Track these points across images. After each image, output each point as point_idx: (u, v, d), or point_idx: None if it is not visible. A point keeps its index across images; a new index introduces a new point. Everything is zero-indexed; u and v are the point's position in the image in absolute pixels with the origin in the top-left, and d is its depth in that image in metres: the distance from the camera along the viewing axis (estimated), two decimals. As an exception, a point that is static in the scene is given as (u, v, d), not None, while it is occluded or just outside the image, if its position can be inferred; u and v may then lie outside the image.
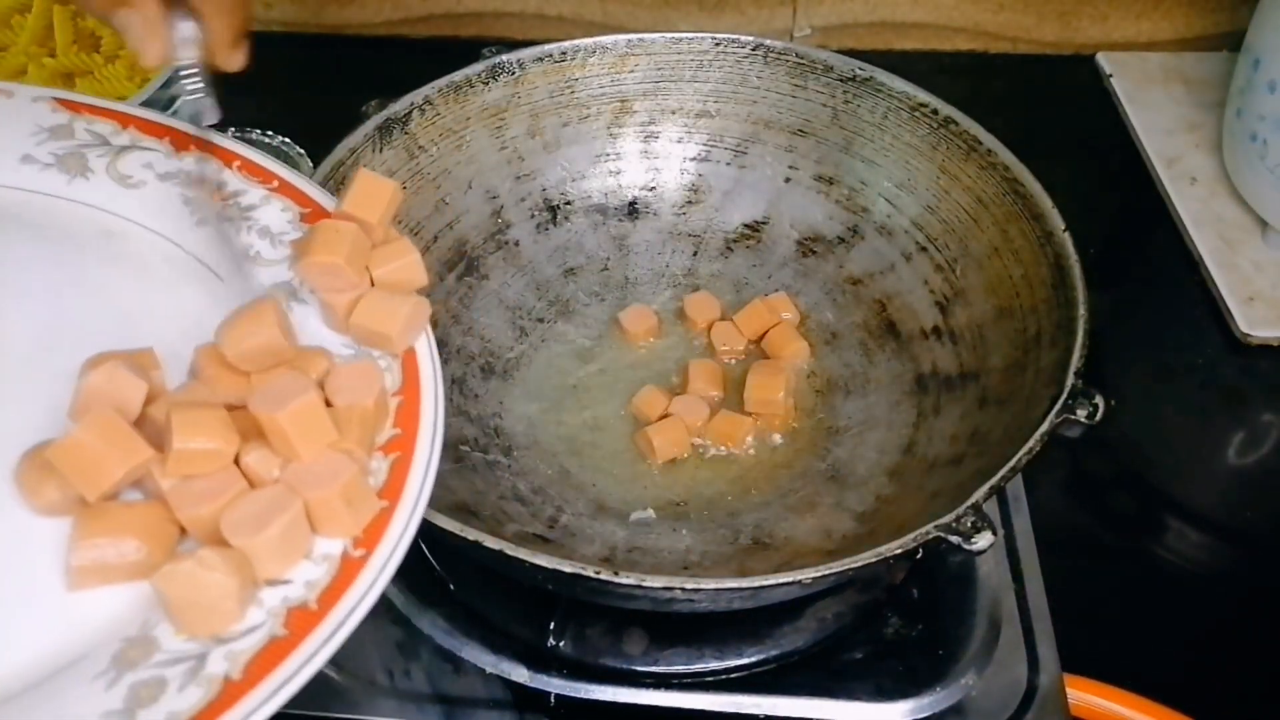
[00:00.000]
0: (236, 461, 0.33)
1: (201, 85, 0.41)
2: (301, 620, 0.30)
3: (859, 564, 0.39)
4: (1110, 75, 0.82)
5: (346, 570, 0.32)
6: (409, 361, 0.39)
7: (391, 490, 0.34)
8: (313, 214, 0.43)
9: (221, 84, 0.43)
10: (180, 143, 0.45)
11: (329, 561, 0.32)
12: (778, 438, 0.54)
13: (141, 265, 0.41)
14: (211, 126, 0.46)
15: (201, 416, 0.33)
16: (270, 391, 0.33)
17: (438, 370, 0.39)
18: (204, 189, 0.42)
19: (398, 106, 0.56)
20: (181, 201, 0.43)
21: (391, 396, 0.37)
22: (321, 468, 0.33)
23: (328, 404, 0.35)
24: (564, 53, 0.60)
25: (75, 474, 0.32)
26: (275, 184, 0.44)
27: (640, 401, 0.55)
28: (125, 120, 0.46)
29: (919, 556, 0.51)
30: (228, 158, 0.45)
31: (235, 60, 0.42)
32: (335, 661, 0.47)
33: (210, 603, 0.30)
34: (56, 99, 0.46)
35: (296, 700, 0.46)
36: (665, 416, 0.54)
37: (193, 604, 0.30)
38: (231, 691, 0.29)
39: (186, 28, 0.40)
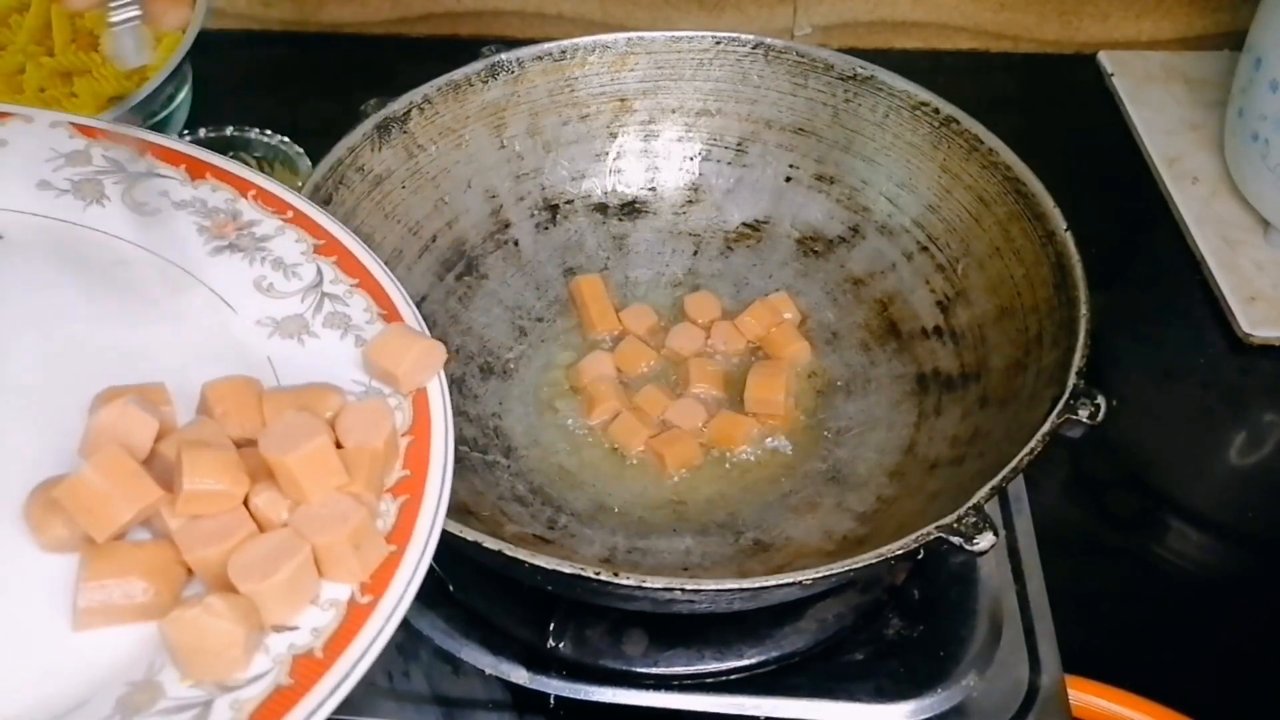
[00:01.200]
0: (245, 502, 0.33)
1: (136, 14, 0.39)
2: (308, 669, 0.30)
3: (860, 565, 0.39)
4: (1112, 74, 0.82)
5: (354, 617, 0.32)
6: (420, 401, 0.38)
7: (400, 535, 0.34)
8: (326, 246, 0.43)
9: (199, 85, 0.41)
10: (196, 170, 0.45)
11: (336, 608, 0.32)
12: (778, 438, 0.54)
13: (154, 295, 0.41)
14: (213, 129, 0.46)
15: (212, 457, 0.32)
16: (281, 433, 0.33)
17: (448, 412, 0.38)
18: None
19: (396, 105, 0.56)
20: (196, 230, 0.43)
21: (401, 437, 0.37)
22: (330, 511, 0.33)
23: (337, 444, 0.34)
24: (564, 51, 0.60)
25: (83, 514, 0.32)
26: (290, 214, 0.44)
27: (641, 400, 0.55)
28: (143, 147, 0.45)
29: (920, 557, 0.51)
30: (243, 186, 0.45)
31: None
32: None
33: (216, 650, 0.30)
34: (74, 124, 0.45)
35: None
36: (665, 424, 0.54)
37: (199, 650, 0.30)
38: None
39: None
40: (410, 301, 0.43)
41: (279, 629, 0.31)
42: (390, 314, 0.42)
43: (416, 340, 0.39)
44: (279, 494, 0.33)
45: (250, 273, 0.42)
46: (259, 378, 0.38)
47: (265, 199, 0.45)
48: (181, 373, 0.37)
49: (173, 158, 0.45)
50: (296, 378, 0.39)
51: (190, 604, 0.30)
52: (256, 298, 0.41)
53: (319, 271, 0.43)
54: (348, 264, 0.43)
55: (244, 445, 0.34)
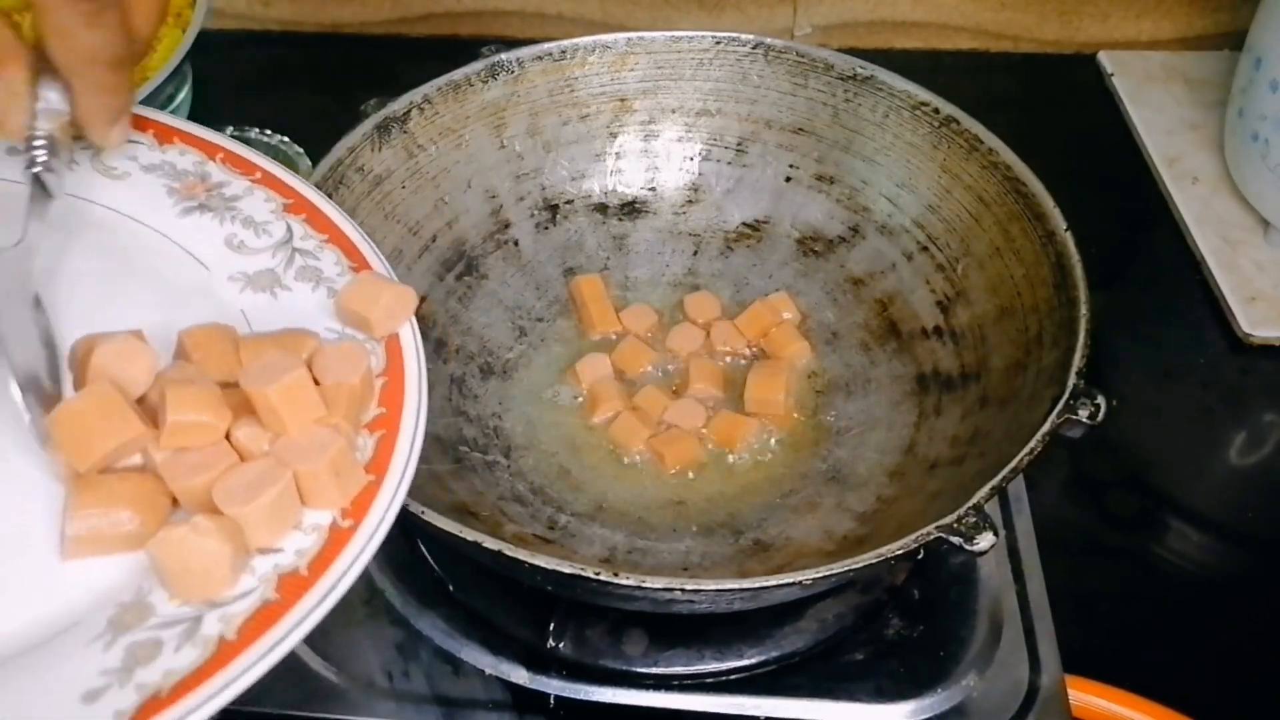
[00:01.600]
0: (228, 437, 0.34)
1: (52, 160, 0.39)
2: (293, 585, 0.31)
3: (860, 565, 0.39)
4: (1112, 74, 0.82)
5: (335, 540, 0.33)
6: (393, 345, 0.40)
7: (378, 465, 0.35)
8: (294, 205, 0.44)
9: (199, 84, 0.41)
10: (164, 135, 0.46)
11: (318, 531, 0.33)
12: (778, 438, 0.54)
13: (127, 254, 0.42)
14: (213, 129, 0.46)
15: (194, 392, 0.33)
16: (260, 368, 0.34)
17: (420, 354, 0.40)
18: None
19: (396, 105, 0.56)
20: (166, 192, 0.44)
21: (376, 378, 0.38)
22: (310, 442, 0.34)
23: (316, 383, 0.35)
24: (563, 51, 0.60)
25: (69, 443, 0.32)
26: (258, 175, 0.45)
27: (641, 400, 0.55)
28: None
29: (920, 557, 0.51)
30: (210, 150, 0.46)
31: (112, 138, 0.40)
32: (334, 663, 0.47)
33: (204, 569, 0.31)
34: None
35: (296, 701, 0.46)
36: (664, 424, 0.54)
37: (187, 570, 0.31)
38: (227, 650, 0.30)
39: (53, 97, 0.38)
40: (380, 255, 0.43)
41: (264, 551, 0.32)
42: (360, 266, 0.43)
43: (388, 286, 0.40)
44: (260, 428, 0.34)
45: (221, 231, 0.43)
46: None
47: (233, 161, 0.45)
48: (158, 325, 0.38)
49: (140, 124, 0.46)
50: (271, 328, 0.40)
51: (178, 525, 0.31)
52: (228, 255, 0.42)
53: (289, 228, 0.43)
54: (317, 221, 0.44)
55: (224, 388, 0.35)
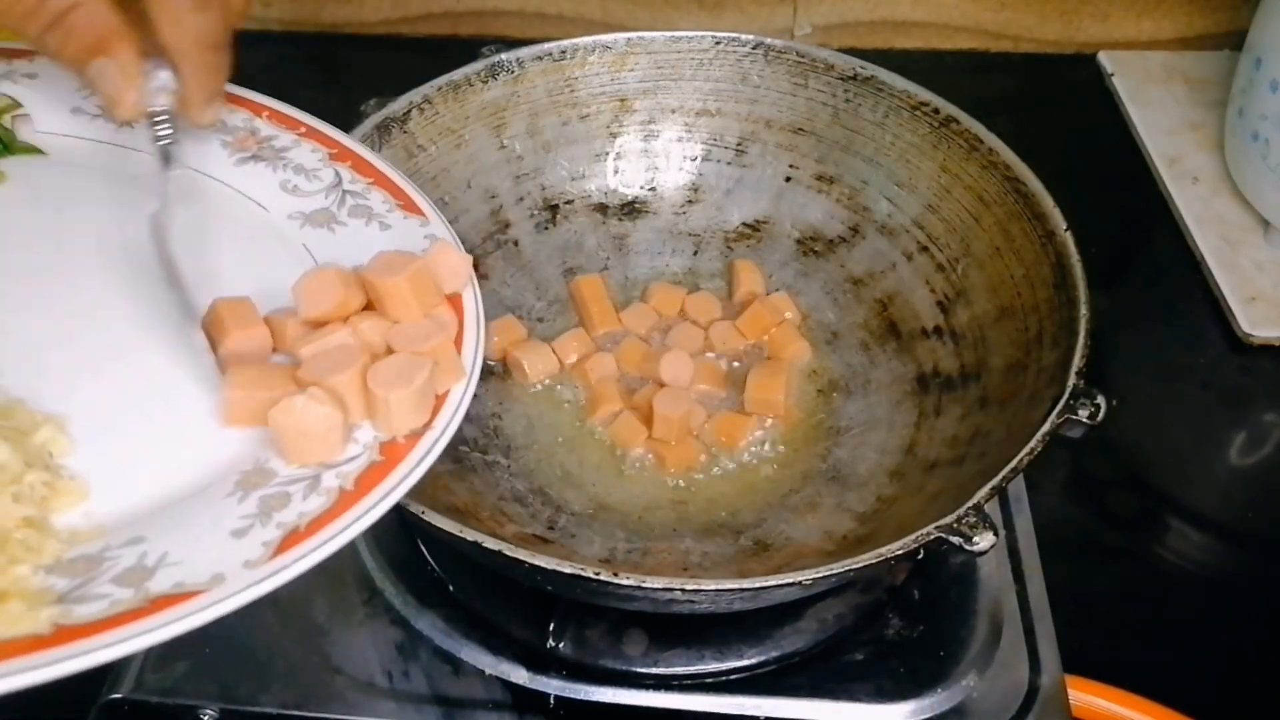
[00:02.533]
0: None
1: (172, 131, 0.43)
2: (393, 450, 0.36)
3: (860, 565, 0.39)
4: (1112, 74, 0.82)
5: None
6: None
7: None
8: (339, 154, 0.48)
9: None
10: None
11: None
12: (778, 438, 0.54)
13: (191, 200, 0.45)
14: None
15: (320, 282, 0.39)
16: (384, 264, 0.40)
17: (477, 291, 0.44)
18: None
19: (396, 106, 0.56)
20: (220, 145, 0.48)
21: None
22: (420, 330, 0.39)
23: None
24: (563, 51, 0.60)
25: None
26: (303, 129, 0.49)
27: (641, 401, 0.55)
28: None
29: (920, 557, 0.51)
30: (257, 109, 0.50)
31: (208, 116, 0.43)
32: (334, 663, 0.47)
33: (319, 433, 0.36)
34: None
35: (296, 701, 0.46)
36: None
37: (304, 434, 0.35)
38: (347, 498, 0.35)
39: (163, 76, 0.41)
40: (424, 195, 0.47)
41: (357, 427, 0.37)
42: (407, 204, 0.47)
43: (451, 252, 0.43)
44: (379, 320, 0.39)
45: (275, 178, 0.47)
46: (297, 261, 0.44)
47: (278, 119, 0.50)
48: (234, 260, 0.43)
49: None
50: (332, 259, 0.44)
51: (296, 394, 0.36)
52: (284, 197, 0.47)
53: (337, 174, 0.48)
54: (361, 167, 0.48)
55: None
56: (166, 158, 0.43)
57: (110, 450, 0.36)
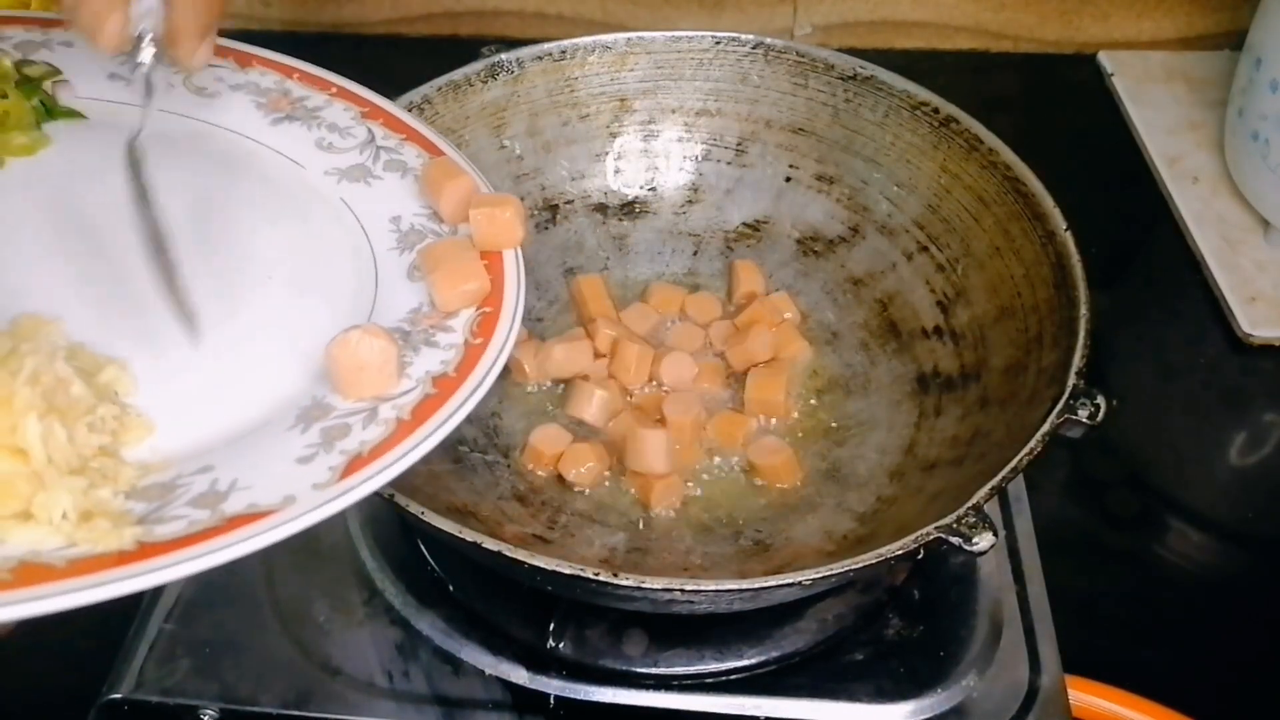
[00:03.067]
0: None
1: (155, 56, 0.41)
2: (445, 384, 0.38)
3: (860, 565, 0.39)
4: (1112, 74, 0.82)
5: (471, 353, 0.40)
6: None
7: (493, 299, 0.43)
8: (371, 112, 0.50)
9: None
10: (243, 60, 0.51)
11: (455, 348, 0.40)
12: (778, 438, 0.54)
13: (228, 155, 0.48)
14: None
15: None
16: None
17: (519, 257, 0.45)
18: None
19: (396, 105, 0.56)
20: (254, 106, 0.50)
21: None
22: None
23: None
24: (563, 51, 0.60)
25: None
26: (334, 90, 0.51)
27: (641, 401, 0.55)
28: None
29: (920, 557, 0.51)
30: (287, 71, 0.51)
31: (199, 56, 0.42)
32: (334, 663, 0.47)
33: (375, 365, 0.37)
34: None
35: (296, 701, 0.46)
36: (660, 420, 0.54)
37: (360, 368, 0.37)
38: (405, 427, 0.36)
39: (148, 2, 0.40)
40: (456, 148, 0.50)
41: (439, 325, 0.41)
42: (438, 155, 0.49)
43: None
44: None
45: (310, 136, 0.49)
46: (336, 215, 0.46)
47: (309, 80, 0.51)
48: (272, 216, 0.45)
49: (220, 51, 0.50)
50: (368, 213, 0.46)
51: (349, 330, 0.37)
52: (319, 154, 0.48)
53: (369, 131, 0.49)
54: (393, 124, 0.50)
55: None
56: (148, 87, 0.42)
57: (172, 390, 0.38)
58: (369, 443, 0.35)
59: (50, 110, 0.47)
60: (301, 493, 0.33)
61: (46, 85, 0.48)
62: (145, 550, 0.31)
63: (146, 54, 0.41)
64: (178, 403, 0.38)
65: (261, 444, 0.36)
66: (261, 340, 0.41)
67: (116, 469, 0.34)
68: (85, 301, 0.40)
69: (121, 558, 0.31)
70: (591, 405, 0.54)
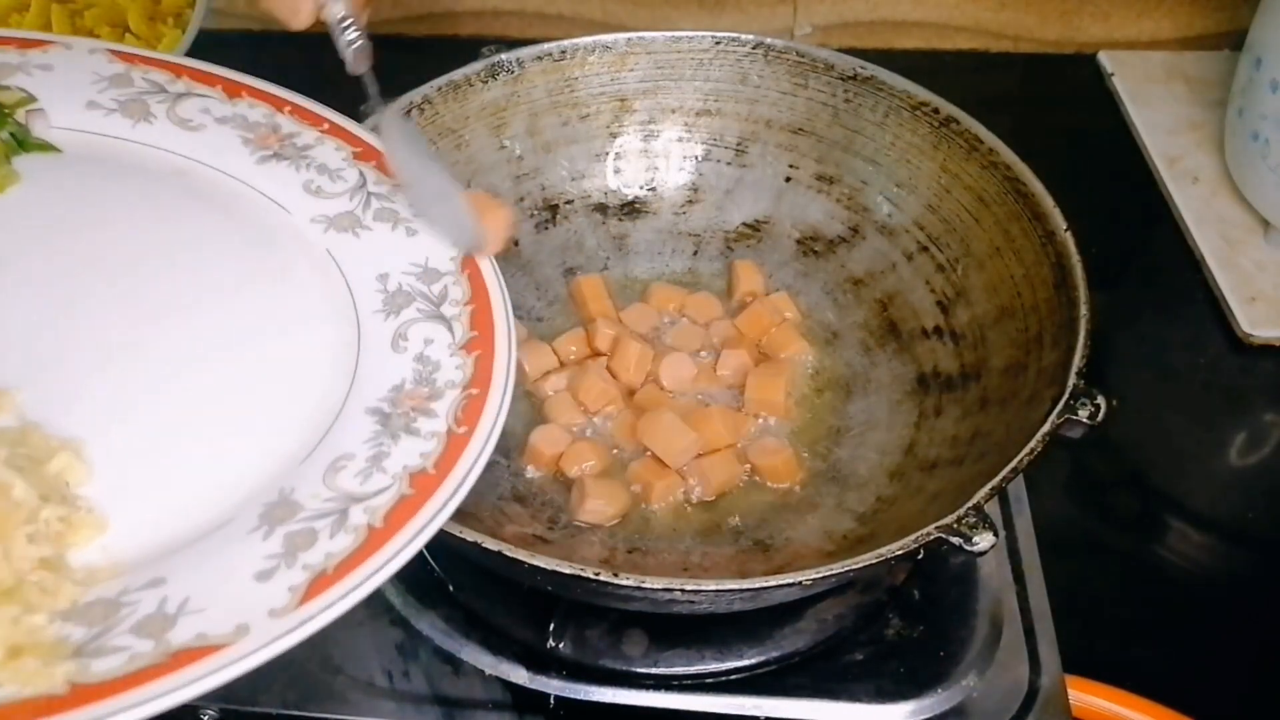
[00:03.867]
0: None
1: (358, 31, 0.43)
2: (424, 482, 0.35)
3: (860, 565, 0.39)
4: (1112, 74, 0.82)
5: (454, 444, 0.37)
6: (474, 274, 0.43)
7: (480, 381, 0.39)
8: (364, 152, 0.47)
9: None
10: (232, 90, 0.48)
11: (437, 437, 0.37)
12: (778, 438, 0.54)
13: (210, 198, 0.45)
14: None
15: None
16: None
17: (501, 281, 0.44)
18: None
19: (396, 106, 0.56)
20: (241, 142, 0.46)
21: (464, 305, 0.42)
22: None
23: None
24: (563, 51, 0.60)
25: None
26: (326, 126, 0.48)
27: (641, 401, 0.55)
28: (178, 70, 0.48)
29: (920, 557, 0.51)
30: (278, 103, 0.48)
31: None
32: (334, 663, 0.47)
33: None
34: (111, 50, 0.48)
35: (296, 701, 0.46)
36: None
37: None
38: (377, 536, 0.33)
39: None
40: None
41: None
42: None
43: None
44: None
45: (298, 178, 0.46)
46: (320, 269, 0.43)
47: (300, 114, 0.48)
48: (252, 272, 0.42)
49: (207, 79, 0.48)
50: (355, 267, 0.43)
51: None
52: (307, 199, 0.45)
53: (361, 174, 0.46)
54: (386, 167, 0.46)
55: None
56: (359, 62, 0.42)
57: (130, 477, 0.35)
58: (335, 556, 0.32)
59: (22, 143, 0.44)
60: (256, 621, 0.30)
61: (19, 114, 0.45)
62: (77, 694, 0.28)
63: (351, 34, 0.42)
64: (134, 491, 0.34)
65: (220, 550, 0.33)
66: (231, 416, 0.37)
67: (57, 584, 0.31)
68: (46, 366, 0.37)
69: (50, 704, 0.28)
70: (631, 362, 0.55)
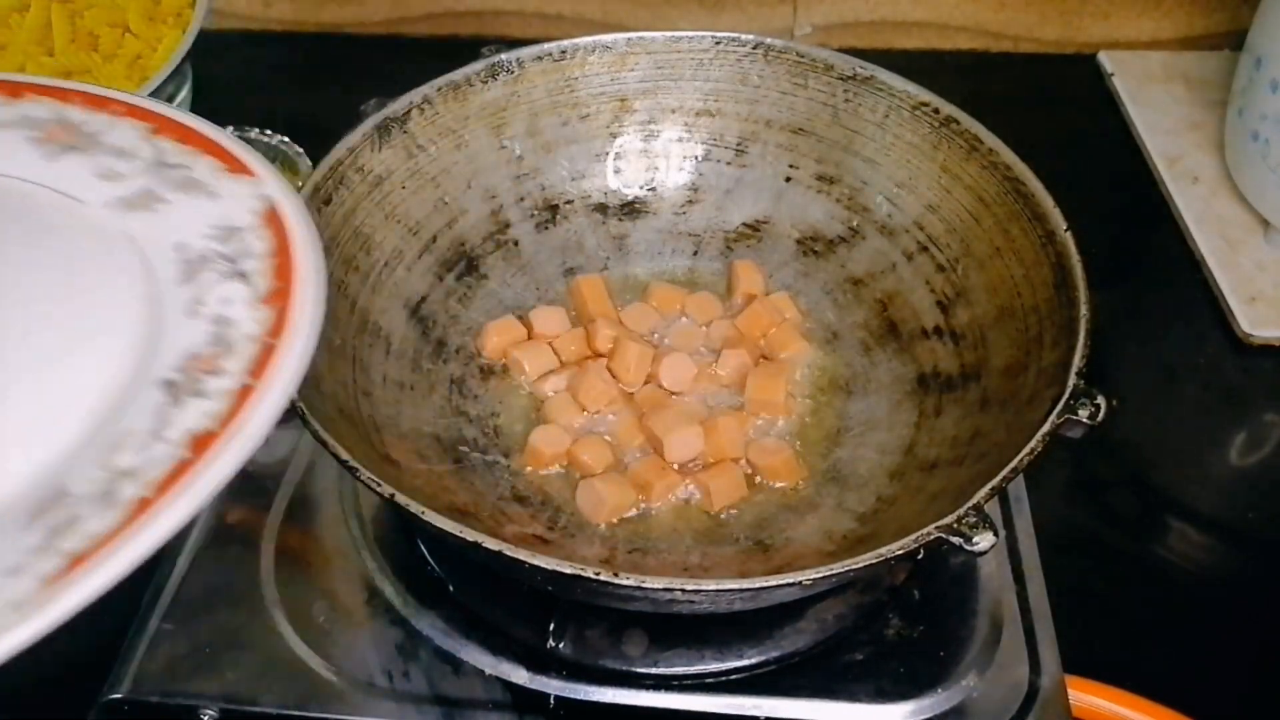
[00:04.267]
0: None
1: None
2: (204, 442, 0.33)
3: (860, 565, 0.39)
4: (1112, 74, 0.82)
5: (241, 397, 0.34)
6: (277, 225, 0.40)
7: (278, 330, 0.36)
8: (160, 127, 0.44)
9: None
10: (12, 91, 0.46)
11: (228, 395, 0.34)
12: (778, 438, 0.54)
13: (3, 204, 0.43)
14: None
15: None
16: None
17: (310, 225, 0.41)
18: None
19: (396, 106, 0.56)
20: (28, 143, 0.44)
21: (267, 259, 0.39)
22: None
23: None
24: (563, 51, 0.60)
25: None
26: (119, 107, 0.45)
27: (641, 400, 0.55)
28: None
29: (920, 557, 0.51)
30: (65, 96, 0.46)
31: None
32: (334, 663, 0.47)
33: None
34: None
35: (296, 701, 0.46)
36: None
37: None
38: (144, 507, 0.31)
39: None
40: (253, 152, 0.44)
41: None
42: (234, 167, 0.43)
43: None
44: None
45: (91, 165, 0.43)
46: (115, 252, 0.40)
47: (90, 102, 0.46)
48: (39, 264, 0.40)
49: None
50: (153, 243, 0.40)
51: None
52: (101, 185, 0.42)
53: (156, 149, 0.44)
54: (185, 136, 0.44)
55: None
56: None
57: None
58: (96, 535, 0.30)
59: None
60: None
61: None
62: None
63: None
64: None
65: None
66: (9, 423, 0.35)
67: None
68: None
69: None
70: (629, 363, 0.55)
